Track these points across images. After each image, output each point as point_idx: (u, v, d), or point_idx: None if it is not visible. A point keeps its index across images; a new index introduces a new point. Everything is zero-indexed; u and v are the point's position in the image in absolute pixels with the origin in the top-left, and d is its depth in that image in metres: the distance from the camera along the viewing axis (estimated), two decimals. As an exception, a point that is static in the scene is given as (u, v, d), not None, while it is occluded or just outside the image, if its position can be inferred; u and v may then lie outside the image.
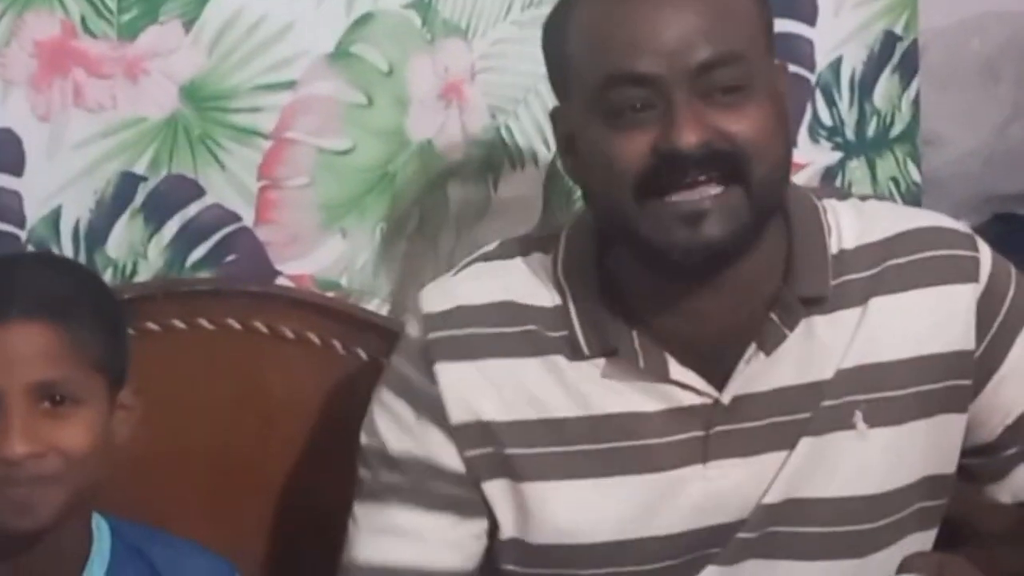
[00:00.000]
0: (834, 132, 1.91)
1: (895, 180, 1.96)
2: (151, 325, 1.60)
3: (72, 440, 1.26)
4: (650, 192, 1.26)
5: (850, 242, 1.36)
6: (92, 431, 1.27)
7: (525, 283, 1.36)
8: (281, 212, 1.69)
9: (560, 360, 1.34)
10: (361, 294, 1.72)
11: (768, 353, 1.31)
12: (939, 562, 1.23)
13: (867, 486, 1.34)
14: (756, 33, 1.30)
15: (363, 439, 1.38)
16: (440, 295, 1.38)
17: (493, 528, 1.36)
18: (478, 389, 1.34)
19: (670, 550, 1.33)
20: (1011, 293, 1.37)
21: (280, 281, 1.70)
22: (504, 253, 1.40)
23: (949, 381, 1.35)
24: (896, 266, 1.35)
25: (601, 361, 1.33)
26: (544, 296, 1.35)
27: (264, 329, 1.65)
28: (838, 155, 1.92)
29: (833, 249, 1.35)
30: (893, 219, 1.38)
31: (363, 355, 1.64)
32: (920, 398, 1.34)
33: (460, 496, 1.35)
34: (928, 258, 1.35)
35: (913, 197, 1.96)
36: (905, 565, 1.23)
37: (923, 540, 1.39)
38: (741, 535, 1.33)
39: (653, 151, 1.26)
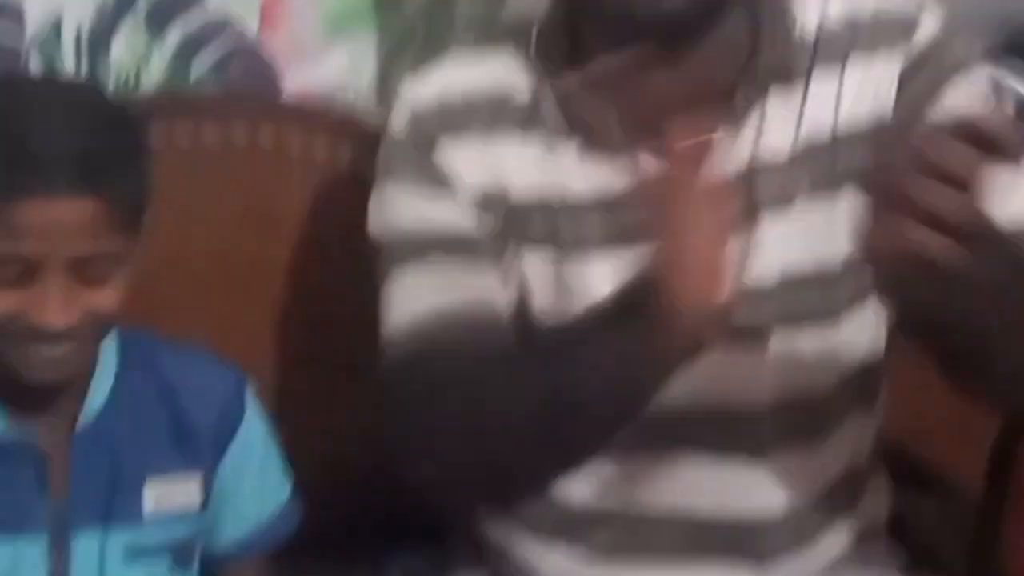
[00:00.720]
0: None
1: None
2: (154, 140, 1.58)
3: (107, 301, 1.24)
4: None
5: (811, 23, 1.36)
6: (124, 286, 1.25)
7: (501, 68, 1.37)
8: (286, 23, 1.66)
9: (542, 139, 1.35)
10: (366, 108, 1.70)
11: (734, 130, 1.33)
12: None
13: (827, 253, 1.35)
14: None
15: (374, 229, 1.38)
16: (422, 82, 1.39)
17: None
18: (474, 163, 1.35)
19: None
20: (946, 57, 1.35)
21: (284, 95, 1.67)
22: (478, 41, 1.41)
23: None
24: (837, 40, 1.35)
25: (578, 140, 1.34)
26: (521, 80, 1.37)
27: (269, 143, 1.63)
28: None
29: (797, 30, 1.35)
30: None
31: (368, 170, 1.62)
32: (855, 165, 1.34)
33: (485, 247, 1.35)
34: (866, 27, 1.35)
35: None
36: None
37: (876, 313, 1.40)
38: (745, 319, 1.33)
39: None
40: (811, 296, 1.36)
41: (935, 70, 1.35)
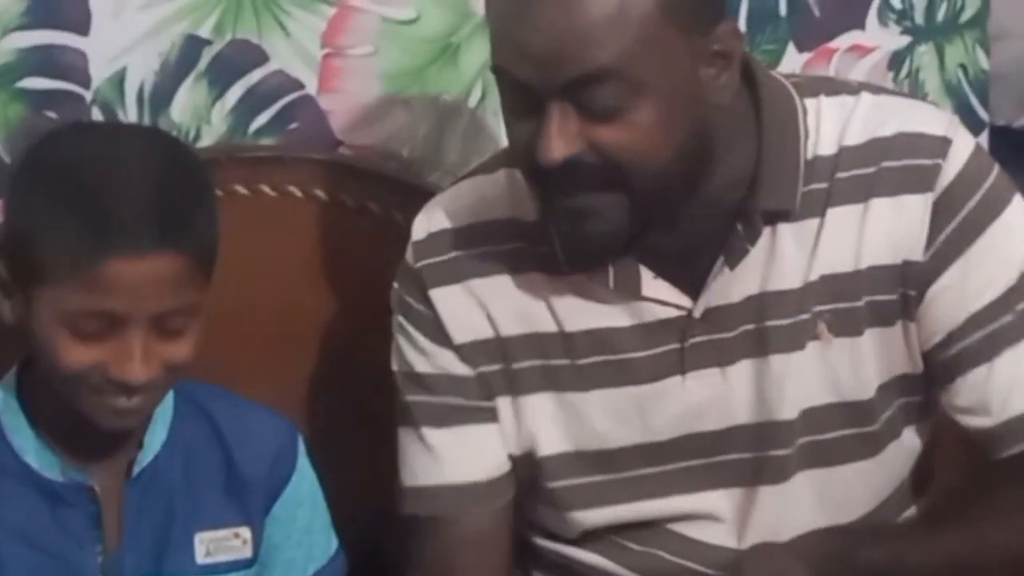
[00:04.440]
0: (903, 16, 1.89)
1: (963, 67, 1.93)
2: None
3: (181, 353, 1.27)
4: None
5: (827, 147, 1.32)
6: (197, 338, 1.28)
7: (508, 198, 1.37)
8: (344, 81, 1.68)
9: (540, 276, 1.35)
10: (423, 166, 1.72)
11: (732, 267, 1.31)
12: (776, 571, 1.28)
13: (847, 392, 1.34)
14: (649, 32, 1.21)
15: (392, 364, 1.42)
16: (426, 221, 1.40)
17: None
18: (471, 309, 1.36)
19: (662, 456, 1.36)
20: (971, 204, 1.32)
21: (342, 151, 1.70)
22: (490, 166, 1.41)
23: (904, 290, 1.34)
24: (856, 176, 1.32)
25: (578, 277, 1.34)
26: (526, 210, 1.36)
27: (325, 198, 1.65)
28: (907, 39, 1.90)
29: (808, 155, 1.32)
30: (872, 121, 1.33)
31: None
32: (877, 307, 1.33)
33: (482, 405, 1.38)
34: (889, 168, 1.32)
35: (981, 85, 1.94)
36: (737, 567, 1.28)
37: (920, 430, 1.41)
38: (779, 452, 1.35)
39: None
40: (837, 432, 1.35)
41: (971, 218, 1.31)
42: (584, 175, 1.22)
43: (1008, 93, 2.20)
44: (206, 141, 1.64)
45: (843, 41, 1.87)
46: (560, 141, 1.21)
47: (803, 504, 1.35)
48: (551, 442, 1.36)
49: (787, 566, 1.29)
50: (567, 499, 1.38)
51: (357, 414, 1.61)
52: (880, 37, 1.89)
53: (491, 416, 1.38)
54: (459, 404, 1.38)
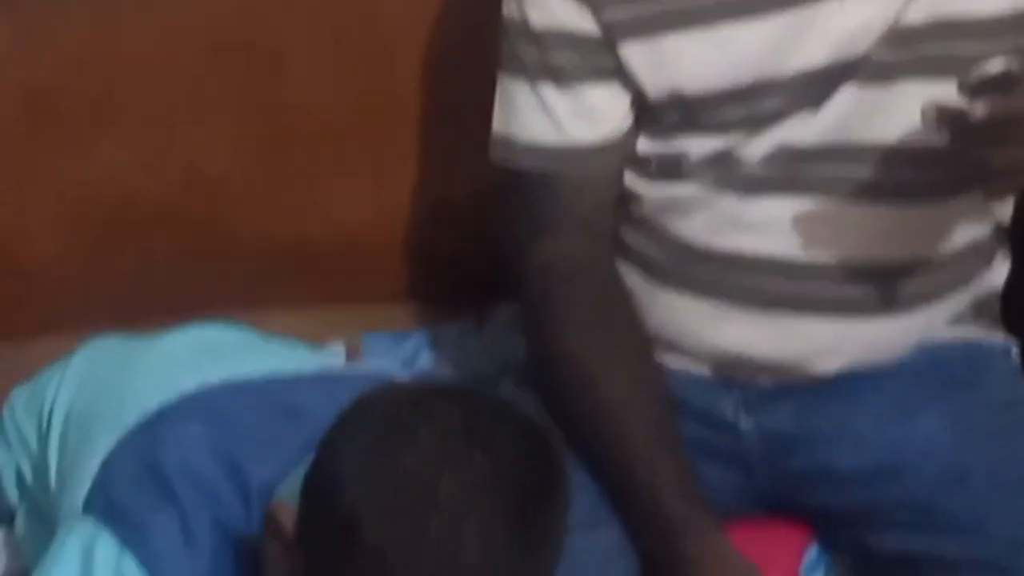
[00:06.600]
0: None
1: None
2: None
3: None
4: None
5: None
6: None
7: None
8: None
9: None
10: None
11: None
12: None
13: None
14: None
15: (504, 11, 1.39)
16: None
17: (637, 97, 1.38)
18: None
19: (809, 84, 1.34)
20: None
21: None
22: None
23: None
24: None
25: None
26: None
27: None
28: None
29: None
30: None
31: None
32: None
33: (597, 64, 1.36)
34: None
35: None
36: None
37: None
38: (885, 57, 1.32)
39: None
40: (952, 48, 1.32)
41: None
42: None
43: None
44: None
45: None
46: None
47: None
48: (699, 80, 1.34)
49: None
50: (722, 128, 1.36)
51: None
52: None
53: (611, 74, 1.36)
54: (577, 63, 1.36)
